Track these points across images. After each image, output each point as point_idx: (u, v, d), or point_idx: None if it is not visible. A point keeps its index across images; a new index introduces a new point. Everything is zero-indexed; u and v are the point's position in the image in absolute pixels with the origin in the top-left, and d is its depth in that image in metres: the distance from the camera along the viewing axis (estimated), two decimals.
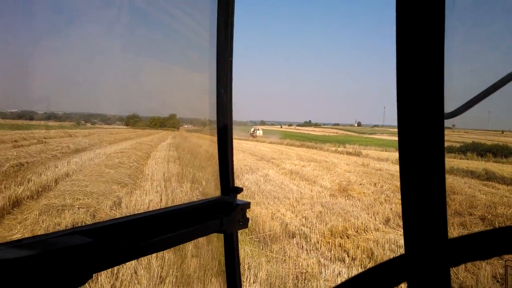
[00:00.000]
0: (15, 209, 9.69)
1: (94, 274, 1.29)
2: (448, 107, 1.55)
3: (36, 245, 1.20)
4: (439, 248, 0.65)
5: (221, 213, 1.99)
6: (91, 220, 9.32)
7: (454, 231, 10.79)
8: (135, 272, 6.87)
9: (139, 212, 1.91)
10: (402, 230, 1.62)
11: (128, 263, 6.89)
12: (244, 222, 2.15)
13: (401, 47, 1.51)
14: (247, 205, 2.19)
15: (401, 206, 1.65)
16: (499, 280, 7.39)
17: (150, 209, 10.53)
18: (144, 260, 7.17)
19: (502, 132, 52.75)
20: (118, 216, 9.43)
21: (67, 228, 1.50)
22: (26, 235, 7.70)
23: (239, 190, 2.18)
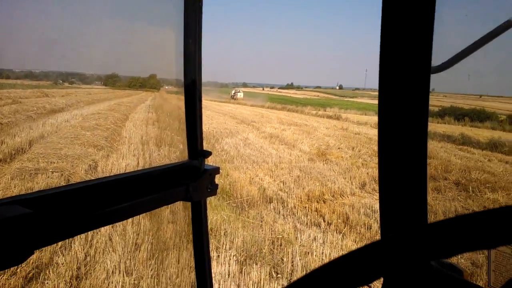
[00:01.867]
0: None
1: (40, 249, 1.18)
2: (436, 60, 1.42)
3: None
4: (417, 235, 0.56)
5: (188, 179, 1.85)
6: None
7: (428, 196, 11.01)
8: (110, 239, 6.84)
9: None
10: (379, 212, 1.55)
11: (102, 229, 6.84)
12: (212, 189, 1.98)
13: None
14: (216, 170, 2.00)
15: (378, 184, 1.57)
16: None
17: None
18: (119, 226, 7.14)
19: (480, 96, 53.55)
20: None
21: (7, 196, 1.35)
22: None
23: (208, 153, 1.98)
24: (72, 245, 6.34)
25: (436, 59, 1.40)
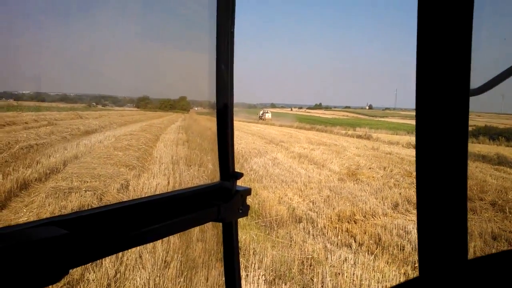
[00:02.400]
0: (22, 191, 9.76)
1: (73, 268, 1.20)
2: (474, 83, 1.37)
3: (8, 236, 1.10)
4: (457, 270, 0.53)
5: (220, 200, 1.87)
6: (98, 204, 9.36)
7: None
8: (140, 257, 6.89)
9: (144, 195, 1.77)
10: (417, 248, 1.49)
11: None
12: (244, 210, 2.01)
13: (424, 13, 1.34)
14: (247, 191, 2.04)
15: (416, 209, 1.51)
16: None
17: (157, 192, 10.54)
18: (149, 244, 7.18)
19: None
20: (125, 199, 9.46)
21: (51, 216, 1.39)
22: (32, 219, 7.77)
23: (239, 175, 2.01)
24: (103, 262, 6.41)
25: (475, 82, 1.37)
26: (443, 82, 1.33)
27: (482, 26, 1.34)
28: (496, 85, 1.50)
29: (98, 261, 6.48)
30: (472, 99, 1.41)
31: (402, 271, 7.83)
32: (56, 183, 10.58)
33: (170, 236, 7.47)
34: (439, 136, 1.38)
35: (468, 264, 0.45)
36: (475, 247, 8.75)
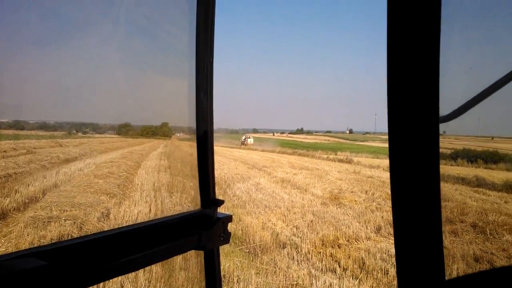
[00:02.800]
0: (0, 221, 9.50)
1: None
2: (443, 110, 1.42)
3: None
4: None
5: (200, 228, 1.85)
6: (78, 233, 9.16)
7: (445, 240, 10.74)
8: (122, 287, 6.73)
9: (125, 224, 1.76)
10: (396, 271, 1.51)
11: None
12: (225, 237, 2.00)
13: (392, 44, 1.39)
14: (228, 218, 2.02)
15: (394, 239, 1.54)
16: None
17: (139, 220, 10.39)
18: (131, 274, 7.02)
19: (492, 138, 53.11)
20: (106, 228, 9.27)
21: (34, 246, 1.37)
22: (10, 250, 7.54)
23: (220, 202, 2.00)
24: None
25: (444, 110, 1.43)
26: (413, 110, 1.39)
27: (449, 56, 1.41)
28: (464, 113, 1.56)
29: None
30: (449, 123, 1.49)
31: None
32: (35, 212, 10.34)
33: (152, 265, 7.33)
34: (412, 162, 1.43)
35: (446, 285, 0.47)
36: (458, 269, 8.81)
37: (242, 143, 75.52)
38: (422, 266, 1.44)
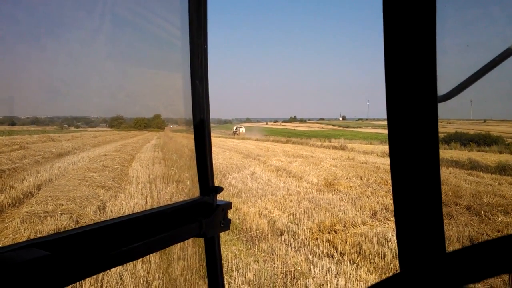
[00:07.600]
0: None
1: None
2: (441, 89, 1.43)
3: None
4: (436, 264, 0.55)
5: (201, 215, 1.86)
6: (74, 226, 9.13)
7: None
8: (121, 278, 6.73)
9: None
10: (397, 246, 1.52)
11: (113, 268, 6.74)
12: (225, 224, 2.02)
13: (389, 24, 1.39)
14: (228, 205, 2.05)
15: (393, 213, 1.55)
16: None
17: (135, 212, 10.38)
18: (129, 265, 7.03)
19: (484, 121, 53.45)
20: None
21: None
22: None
23: (220, 189, 2.02)
24: (83, 285, 6.24)
25: (442, 89, 1.42)
26: (411, 90, 1.38)
27: (445, 34, 1.40)
28: (462, 91, 1.56)
29: (77, 284, 6.31)
30: (442, 107, 1.47)
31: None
32: (31, 207, 10.29)
33: (150, 256, 7.33)
34: (411, 143, 1.43)
35: (447, 256, 0.47)
36: None
37: (234, 133, 75.67)
38: (422, 239, 1.45)
